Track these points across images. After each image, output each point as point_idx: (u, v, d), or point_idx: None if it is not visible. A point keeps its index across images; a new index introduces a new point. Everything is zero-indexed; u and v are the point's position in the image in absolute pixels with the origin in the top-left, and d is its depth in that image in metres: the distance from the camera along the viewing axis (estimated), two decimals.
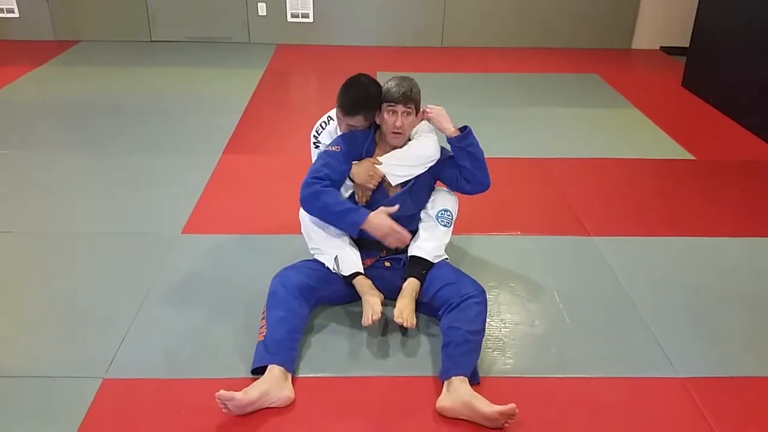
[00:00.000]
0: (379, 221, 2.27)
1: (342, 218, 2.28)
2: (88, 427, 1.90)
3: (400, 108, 2.30)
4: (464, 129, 2.39)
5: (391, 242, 2.30)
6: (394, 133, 2.33)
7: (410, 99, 2.29)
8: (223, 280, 2.61)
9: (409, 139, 2.43)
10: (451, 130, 2.39)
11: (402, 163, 2.37)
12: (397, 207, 2.31)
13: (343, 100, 2.35)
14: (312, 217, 2.41)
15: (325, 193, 2.28)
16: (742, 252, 2.92)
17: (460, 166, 2.41)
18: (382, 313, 2.21)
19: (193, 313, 2.41)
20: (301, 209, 2.46)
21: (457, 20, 6.29)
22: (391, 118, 2.32)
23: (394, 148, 2.39)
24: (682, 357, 2.25)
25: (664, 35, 6.44)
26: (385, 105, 2.32)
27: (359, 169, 2.35)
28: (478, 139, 2.42)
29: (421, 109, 2.41)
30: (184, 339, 2.27)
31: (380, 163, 2.36)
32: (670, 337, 2.35)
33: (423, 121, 2.45)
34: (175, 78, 5.28)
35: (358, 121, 2.36)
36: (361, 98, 2.33)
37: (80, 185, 3.42)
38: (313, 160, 2.53)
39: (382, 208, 2.30)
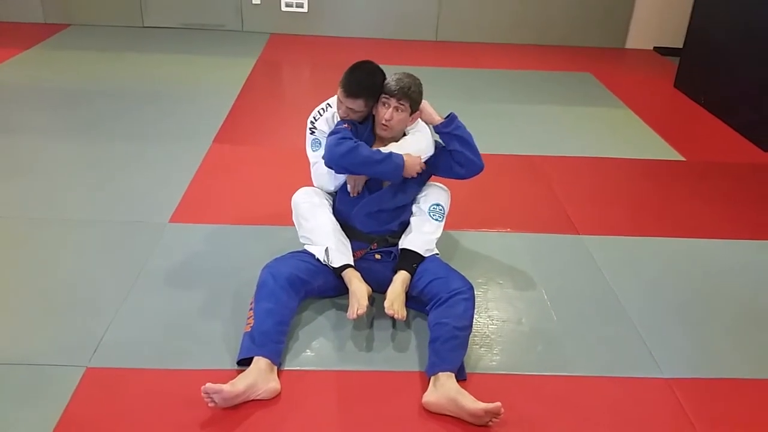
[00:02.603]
0: (412, 160, 2.33)
1: (387, 162, 2.29)
2: (70, 416, 1.88)
3: (393, 102, 2.30)
4: (449, 116, 2.42)
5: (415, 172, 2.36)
6: (382, 124, 2.34)
7: (405, 95, 2.29)
8: (210, 269, 2.59)
9: (404, 134, 2.43)
10: (437, 119, 2.41)
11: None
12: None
13: (347, 80, 2.32)
14: (303, 205, 2.42)
15: (362, 146, 2.30)
16: (730, 254, 2.93)
17: (451, 151, 2.42)
18: (368, 306, 2.20)
19: (180, 303, 2.38)
20: (295, 196, 2.46)
21: (452, 15, 6.27)
22: (382, 110, 2.32)
23: (390, 141, 2.39)
24: (668, 358, 2.25)
25: (657, 36, 6.45)
26: (381, 96, 2.32)
27: None
28: (468, 131, 2.43)
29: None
30: (169, 329, 2.25)
31: None
32: (656, 337, 2.35)
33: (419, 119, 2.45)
34: (166, 65, 5.23)
35: (358, 105, 2.34)
36: (365, 82, 2.31)
37: (67, 171, 3.39)
38: (308, 147, 2.52)
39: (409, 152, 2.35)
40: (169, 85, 4.76)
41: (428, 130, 2.45)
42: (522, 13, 6.28)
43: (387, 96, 2.31)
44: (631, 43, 6.49)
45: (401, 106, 2.31)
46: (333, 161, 2.31)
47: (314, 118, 2.52)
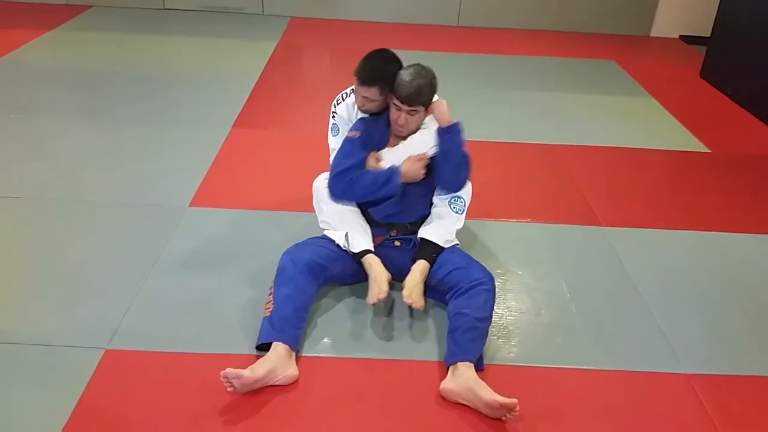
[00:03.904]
0: (409, 168, 2.33)
1: (383, 188, 2.32)
2: (89, 398, 1.89)
3: (405, 108, 2.28)
4: (452, 125, 2.34)
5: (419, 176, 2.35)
6: (397, 127, 2.34)
7: (416, 102, 2.26)
8: (229, 254, 2.59)
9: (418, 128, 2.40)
10: (445, 122, 2.33)
11: (400, 161, 2.35)
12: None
13: (361, 69, 2.30)
14: (324, 190, 2.42)
15: (356, 182, 2.33)
16: (754, 249, 2.88)
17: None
18: (388, 292, 2.20)
19: (198, 287, 2.39)
20: (316, 181, 2.47)
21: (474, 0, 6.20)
22: (395, 114, 2.30)
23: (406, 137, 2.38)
24: (689, 353, 2.23)
25: (684, 24, 6.33)
26: (393, 101, 2.30)
27: None
28: (462, 149, 2.36)
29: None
30: (188, 312, 2.26)
31: (382, 159, 2.37)
32: (677, 332, 2.32)
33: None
34: (187, 48, 5.23)
35: (373, 94, 2.31)
36: (379, 70, 2.28)
37: (88, 153, 3.40)
38: (330, 131, 2.53)
39: (411, 156, 2.34)
40: (189, 68, 4.76)
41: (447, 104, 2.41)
42: None
43: (398, 103, 2.27)
44: (657, 30, 6.38)
45: (414, 111, 2.29)
46: (336, 197, 2.37)
47: (336, 102, 2.52)
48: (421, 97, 2.26)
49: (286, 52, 5.27)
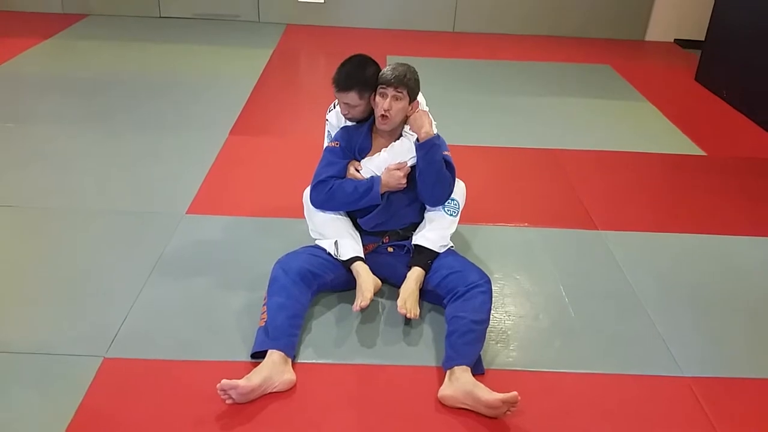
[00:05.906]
0: (388, 177, 2.33)
1: (364, 198, 2.33)
2: (87, 406, 1.89)
3: (390, 91, 2.26)
4: (428, 139, 2.30)
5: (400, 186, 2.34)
6: (381, 116, 2.29)
7: (402, 83, 2.25)
8: (226, 261, 2.59)
9: (401, 135, 2.38)
10: (422, 135, 2.30)
11: (379, 171, 2.36)
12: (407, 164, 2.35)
13: (336, 75, 2.31)
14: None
15: (336, 191, 2.33)
16: (751, 251, 2.89)
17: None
18: (372, 299, 2.18)
19: (196, 295, 2.39)
20: (306, 191, 2.45)
21: (470, 5, 6.21)
22: (380, 101, 2.28)
23: (390, 141, 2.37)
24: (688, 356, 2.22)
25: (678, 28, 6.36)
26: (378, 87, 2.29)
27: None
28: (440, 165, 2.33)
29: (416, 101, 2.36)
30: (186, 320, 2.26)
31: (361, 168, 2.38)
32: (675, 335, 2.32)
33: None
34: (183, 55, 5.23)
35: (352, 99, 2.31)
36: (353, 74, 2.28)
37: (85, 161, 3.40)
38: (325, 139, 2.54)
39: (389, 166, 2.34)
40: (185, 75, 4.77)
41: (428, 115, 2.38)
42: (540, 4, 6.21)
43: (384, 86, 2.27)
44: (651, 35, 6.40)
45: (399, 95, 2.26)
46: (317, 207, 2.38)
47: (329, 110, 2.53)
48: (406, 80, 2.26)
49: (282, 59, 5.28)
